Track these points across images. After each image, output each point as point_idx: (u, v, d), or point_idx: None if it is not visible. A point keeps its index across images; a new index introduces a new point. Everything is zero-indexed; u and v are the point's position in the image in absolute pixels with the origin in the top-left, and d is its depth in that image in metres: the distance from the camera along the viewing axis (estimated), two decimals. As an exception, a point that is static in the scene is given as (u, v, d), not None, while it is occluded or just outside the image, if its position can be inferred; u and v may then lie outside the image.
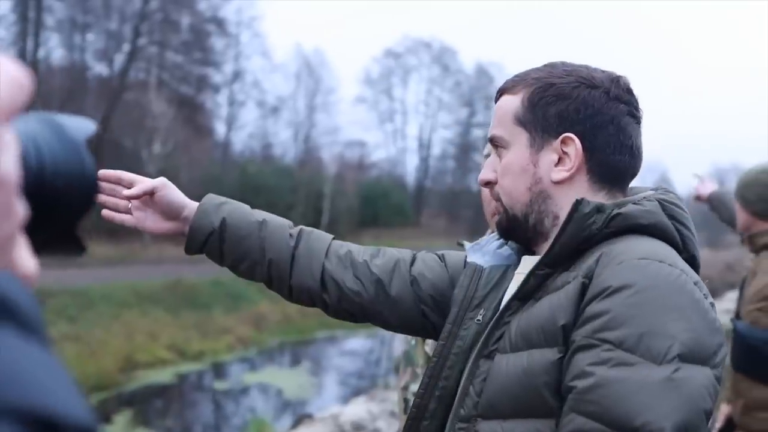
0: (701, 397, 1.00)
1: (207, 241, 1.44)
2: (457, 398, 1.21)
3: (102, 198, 1.45)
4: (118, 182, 1.43)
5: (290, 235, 1.47)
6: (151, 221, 1.45)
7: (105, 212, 1.46)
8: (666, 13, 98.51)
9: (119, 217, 1.45)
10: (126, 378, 14.58)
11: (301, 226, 1.52)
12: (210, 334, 17.74)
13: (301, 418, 8.76)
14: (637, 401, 0.97)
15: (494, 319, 1.20)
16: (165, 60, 36.06)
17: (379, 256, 1.48)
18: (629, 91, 1.25)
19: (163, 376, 15.23)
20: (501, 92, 1.31)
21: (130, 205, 1.45)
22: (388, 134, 53.13)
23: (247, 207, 1.51)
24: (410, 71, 52.72)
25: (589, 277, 1.09)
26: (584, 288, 1.09)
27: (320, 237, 1.50)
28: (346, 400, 10.53)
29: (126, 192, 1.41)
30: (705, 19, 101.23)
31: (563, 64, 1.28)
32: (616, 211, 1.15)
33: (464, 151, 52.51)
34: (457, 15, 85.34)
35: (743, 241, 2.74)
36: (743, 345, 2.56)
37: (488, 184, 1.31)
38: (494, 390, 1.15)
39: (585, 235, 1.14)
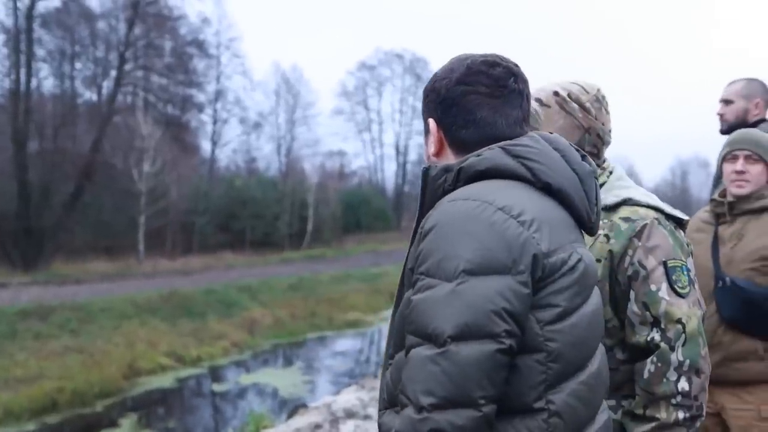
0: (488, 301, 1.12)
1: None
2: (386, 342, 1.40)
3: None
4: None
5: None
6: None
7: None
8: (636, 31, 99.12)
9: None
10: (129, 384, 14.67)
11: None
12: (206, 340, 17.78)
13: (296, 408, 8.85)
14: (430, 313, 1.14)
15: (401, 276, 1.34)
16: (150, 83, 36.16)
17: None
18: (478, 72, 1.35)
19: (164, 381, 15.31)
20: None
21: None
22: (366, 143, 53.44)
23: None
24: (384, 82, 53.17)
25: (423, 225, 1.25)
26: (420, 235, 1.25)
27: None
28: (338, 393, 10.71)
29: None
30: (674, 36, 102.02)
31: (453, 59, 1.41)
32: (459, 166, 1.30)
33: (439, 156, 52.59)
34: (427, 26, 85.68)
35: (721, 203, 2.69)
36: (741, 298, 2.52)
37: None
38: (394, 328, 1.34)
39: (441, 192, 1.31)
